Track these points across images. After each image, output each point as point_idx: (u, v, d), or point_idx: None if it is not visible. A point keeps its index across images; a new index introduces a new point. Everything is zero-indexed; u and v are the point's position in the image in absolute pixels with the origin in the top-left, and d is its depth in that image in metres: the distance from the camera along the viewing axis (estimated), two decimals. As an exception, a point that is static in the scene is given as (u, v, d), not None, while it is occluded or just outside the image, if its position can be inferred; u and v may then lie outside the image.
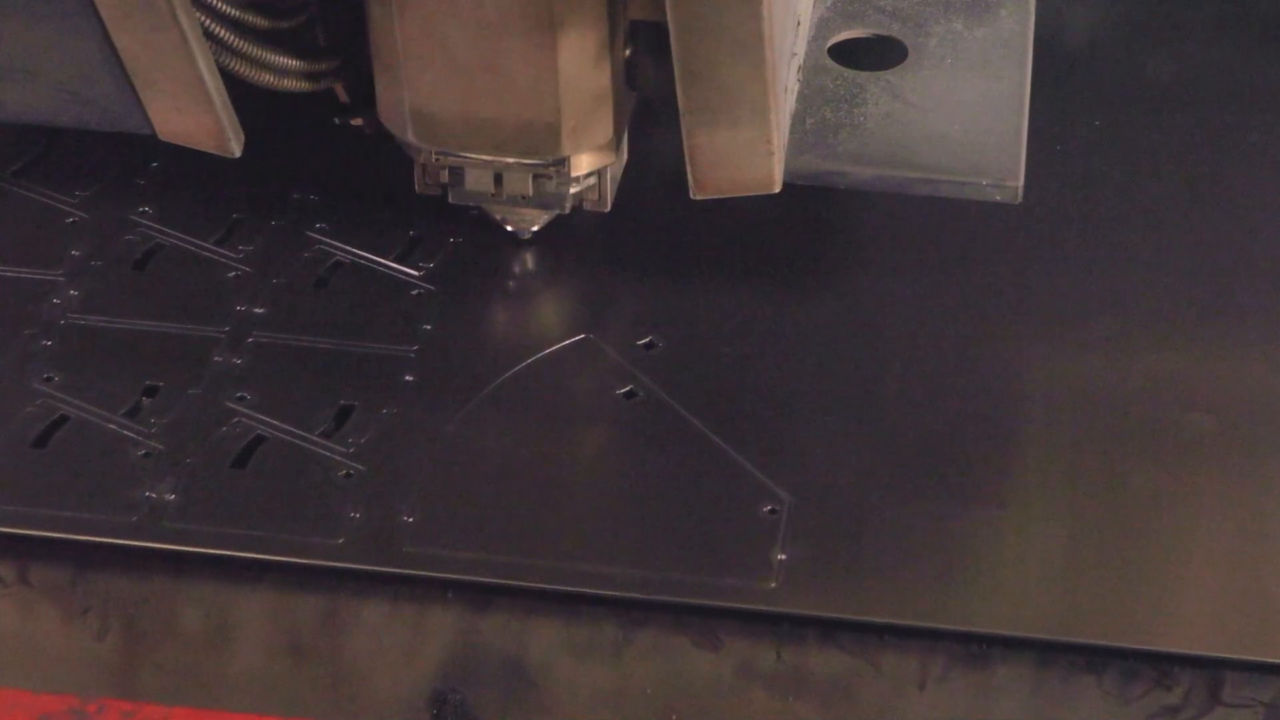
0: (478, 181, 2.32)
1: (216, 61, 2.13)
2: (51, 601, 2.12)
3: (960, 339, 2.34)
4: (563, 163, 2.28)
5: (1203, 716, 1.99)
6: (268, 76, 2.22)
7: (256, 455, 2.21)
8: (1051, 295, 2.40)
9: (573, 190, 2.33)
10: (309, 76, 2.28)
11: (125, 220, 2.53)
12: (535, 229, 2.45)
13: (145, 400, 2.28)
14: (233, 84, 2.18)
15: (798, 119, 2.26)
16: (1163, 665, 2.01)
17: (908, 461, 2.19)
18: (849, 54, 2.39)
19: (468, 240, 2.49)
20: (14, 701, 2.03)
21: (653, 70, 2.39)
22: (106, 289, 2.43)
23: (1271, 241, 2.48)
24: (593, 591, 2.07)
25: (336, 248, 2.48)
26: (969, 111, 2.29)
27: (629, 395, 2.28)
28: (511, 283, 2.46)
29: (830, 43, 2.38)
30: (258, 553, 2.11)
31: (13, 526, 2.14)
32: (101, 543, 2.13)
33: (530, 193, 2.32)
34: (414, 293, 2.42)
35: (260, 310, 2.39)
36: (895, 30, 2.40)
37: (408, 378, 2.30)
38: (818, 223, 2.51)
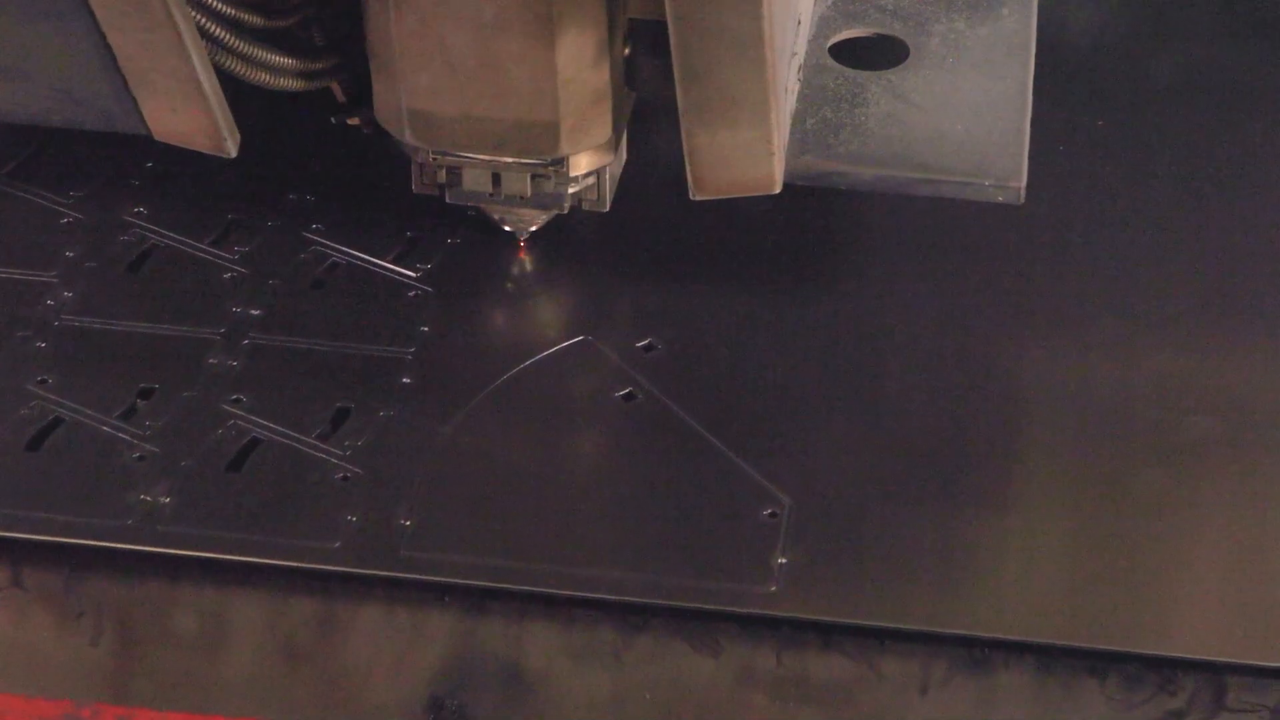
0: (475, 181, 2.33)
1: (213, 60, 2.14)
2: (45, 605, 2.13)
3: (962, 341, 2.35)
4: (561, 162, 2.29)
5: (1206, 721, 2.00)
6: (264, 75, 2.23)
7: (252, 458, 2.23)
8: (1054, 297, 2.41)
9: (571, 190, 2.34)
10: (305, 75, 2.29)
11: (120, 221, 2.55)
12: (534, 229, 2.46)
13: (140, 402, 2.29)
14: (228, 84, 2.19)
15: (798, 119, 2.27)
16: (1166, 670, 2.02)
17: (909, 464, 2.20)
18: (850, 53, 2.40)
19: (465, 241, 2.49)
20: (7, 707, 2.04)
21: (652, 70, 2.39)
22: (101, 290, 2.44)
23: (1277, 242, 2.49)
24: (591, 595, 2.08)
25: (333, 249, 2.49)
26: (971, 111, 2.30)
27: (628, 397, 2.29)
28: (509, 284, 2.46)
29: (831, 42, 2.39)
30: (253, 556, 2.12)
31: (6, 530, 2.16)
32: (96, 546, 2.14)
33: (528, 193, 2.33)
34: (411, 294, 2.43)
35: (256, 312, 2.41)
36: (896, 29, 2.41)
37: (405, 380, 2.32)
38: (818, 224, 2.52)
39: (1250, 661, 2.02)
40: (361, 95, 2.39)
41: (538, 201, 2.36)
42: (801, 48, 2.33)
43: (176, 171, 2.59)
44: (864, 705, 2.02)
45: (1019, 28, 2.43)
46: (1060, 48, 2.73)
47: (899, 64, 2.37)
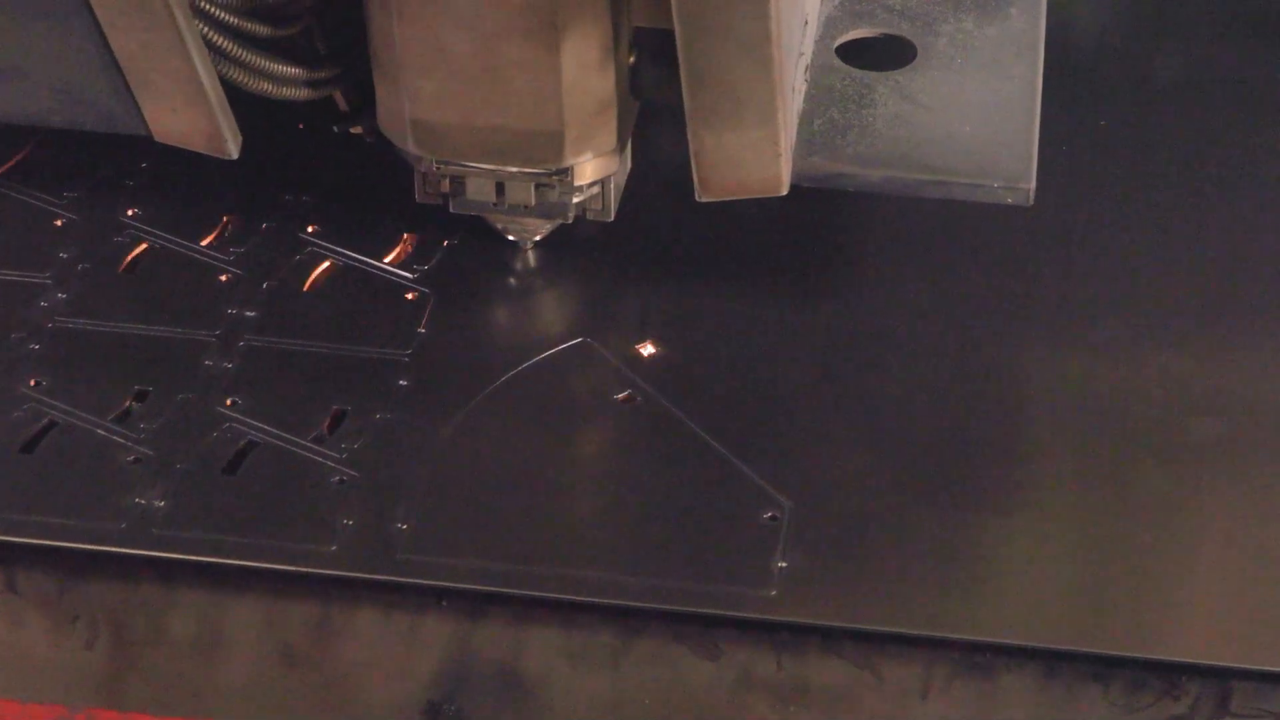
0: (479, 191, 2.34)
1: (216, 70, 2.14)
2: (39, 610, 2.14)
3: (964, 342, 2.37)
4: (566, 172, 2.30)
5: (1211, 727, 2.01)
6: (267, 85, 2.24)
7: (248, 461, 2.24)
8: (1057, 298, 2.42)
9: (576, 199, 2.35)
10: (309, 84, 2.31)
11: (114, 222, 2.56)
12: (537, 238, 2.46)
13: (135, 405, 2.31)
14: (228, 85, 2.19)
15: (805, 120, 2.29)
16: (1170, 675, 2.04)
17: (910, 467, 2.22)
18: (857, 54, 2.41)
19: (463, 242, 2.50)
20: (2, 712, 2.05)
21: (657, 73, 2.40)
22: (95, 292, 2.46)
23: (1282, 243, 2.50)
24: (590, 599, 2.10)
25: (329, 250, 2.50)
26: (979, 112, 2.32)
27: (627, 400, 2.30)
28: (507, 285, 2.47)
29: (838, 42, 2.41)
30: (249, 560, 2.14)
31: (0, 534, 2.16)
32: (90, 550, 2.16)
33: (532, 202, 2.34)
34: (408, 295, 2.44)
35: (252, 313, 2.42)
36: (904, 29, 2.42)
37: (402, 382, 2.33)
38: (819, 225, 2.53)
39: (1255, 666, 2.03)
40: (364, 104, 2.40)
41: (542, 211, 2.37)
42: (808, 48, 2.34)
43: (171, 172, 2.60)
44: (865, 710, 2.03)
45: (1027, 28, 2.44)
46: (1063, 47, 2.73)
47: (907, 65, 2.38)
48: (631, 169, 2.45)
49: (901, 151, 2.27)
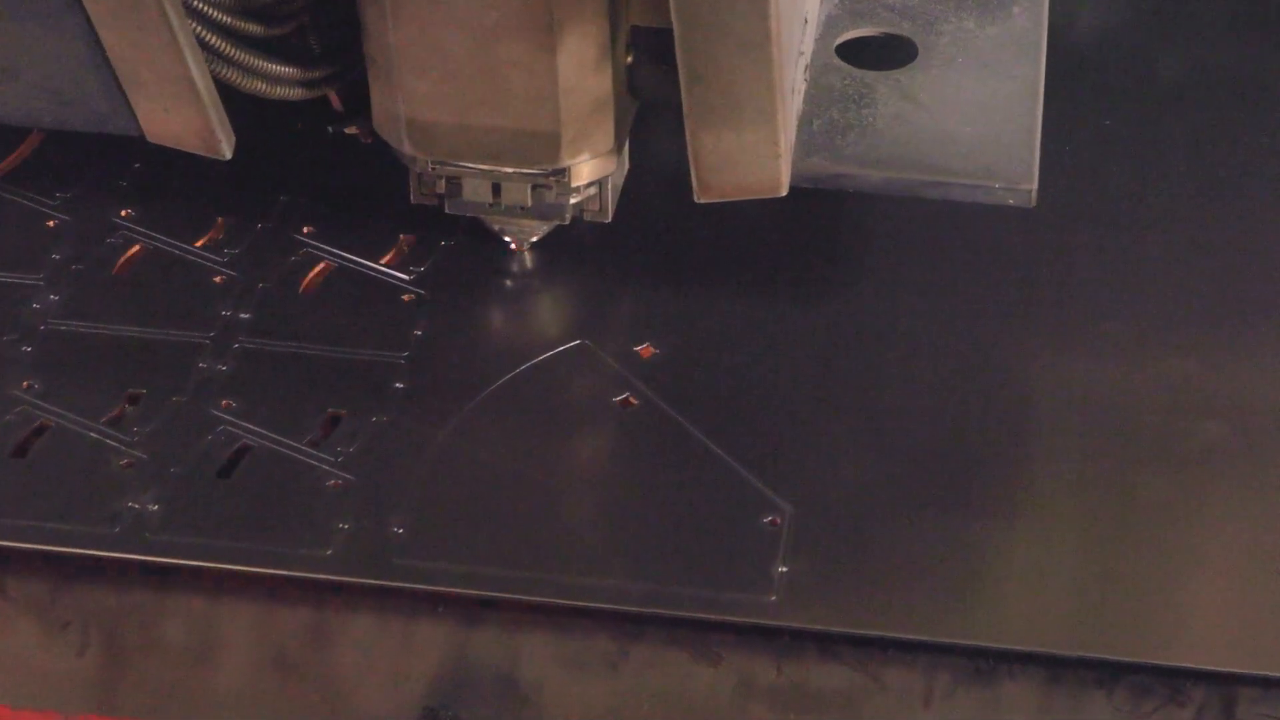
0: (475, 192, 2.34)
1: (209, 69, 2.15)
2: (31, 615, 2.14)
3: (966, 345, 2.37)
4: (563, 173, 2.30)
5: (1216, 733, 2.01)
6: (260, 84, 2.25)
7: (242, 465, 2.24)
8: (1060, 300, 2.42)
9: (573, 200, 2.35)
10: (303, 84, 2.31)
11: (107, 223, 2.56)
12: (534, 240, 2.46)
13: (128, 408, 2.31)
14: (220, 84, 2.20)
15: (805, 120, 2.29)
16: (1175, 680, 2.04)
17: (912, 471, 2.22)
18: (857, 53, 2.41)
19: (459, 243, 2.50)
20: (-8, 718, 2.05)
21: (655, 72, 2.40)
22: (88, 293, 2.46)
23: (1289, 244, 2.51)
24: (588, 605, 2.10)
25: (325, 251, 2.50)
26: (981, 112, 2.32)
27: (625, 403, 2.30)
28: (504, 287, 2.47)
29: (838, 41, 2.41)
30: (243, 565, 2.14)
31: (-9, 538, 2.17)
32: (82, 555, 2.16)
33: (529, 203, 2.34)
34: (404, 297, 2.44)
35: (246, 315, 2.42)
36: (905, 29, 2.43)
37: (398, 385, 2.33)
38: (819, 227, 2.53)
39: (1260, 672, 2.04)
40: (360, 104, 2.39)
41: (538, 212, 2.37)
42: (808, 47, 2.35)
43: (165, 173, 2.60)
44: (866, 717, 2.03)
45: (1030, 27, 2.44)
46: (1065, 46, 2.74)
47: (907, 64, 2.38)
48: (633, 170, 2.45)
49: (902, 152, 2.27)
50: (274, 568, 2.14)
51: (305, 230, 2.54)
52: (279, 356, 2.38)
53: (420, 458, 2.24)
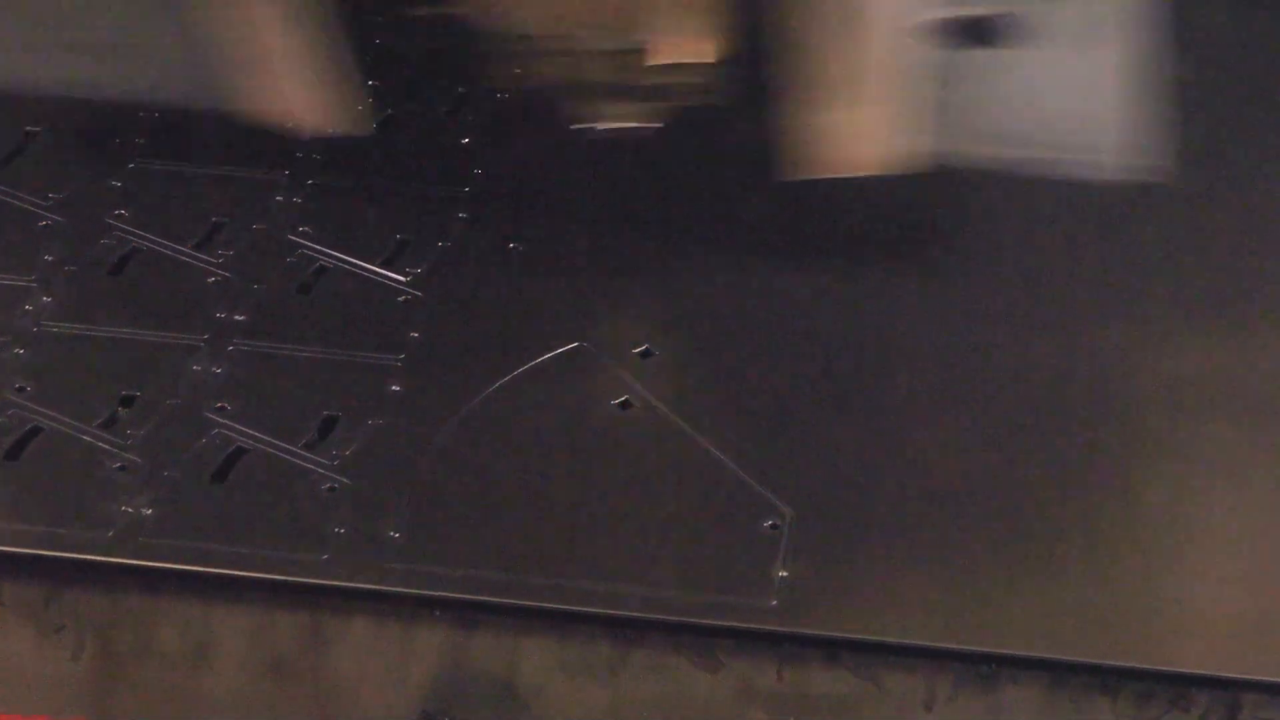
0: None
1: None
2: (23, 620, 2.14)
3: (968, 346, 2.37)
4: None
5: (1220, 739, 2.01)
6: None
7: (237, 468, 2.24)
8: (1062, 300, 2.42)
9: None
10: None
11: (101, 223, 2.56)
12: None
13: (121, 411, 2.31)
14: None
15: (914, 98, 2.28)
16: (1179, 686, 2.04)
17: (914, 474, 2.21)
18: (960, 31, 2.42)
19: (457, 244, 2.50)
20: (-15, 723, 2.05)
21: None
22: (81, 295, 2.46)
23: (1295, 243, 2.51)
24: (586, 609, 2.10)
25: (320, 252, 2.50)
26: (1085, 88, 2.31)
27: (624, 405, 2.30)
28: (502, 288, 2.47)
29: (942, 19, 2.41)
30: (238, 569, 2.14)
31: (-17, 542, 2.17)
32: (76, 559, 2.16)
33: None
34: (401, 299, 2.44)
35: (241, 317, 2.42)
36: (1009, 5, 2.42)
37: (394, 387, 2.33)
38: (819, 228, 2.53)
39: (1265, 678, 2.04)
40: None
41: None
42: (914, 24, 2.34)
43: (159, 173, 2.60)
44: (867, 722, 2.03)
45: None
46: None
47: (1010, 41, 2.39)
48: (633, 170, 2.44)
49: (1012, 129, 2.27)
50: (269, 572, 2.13)
51: (300, 230, 2.55)
52: (274, 359, 2.38)
53: (417, 461, 2.24)
